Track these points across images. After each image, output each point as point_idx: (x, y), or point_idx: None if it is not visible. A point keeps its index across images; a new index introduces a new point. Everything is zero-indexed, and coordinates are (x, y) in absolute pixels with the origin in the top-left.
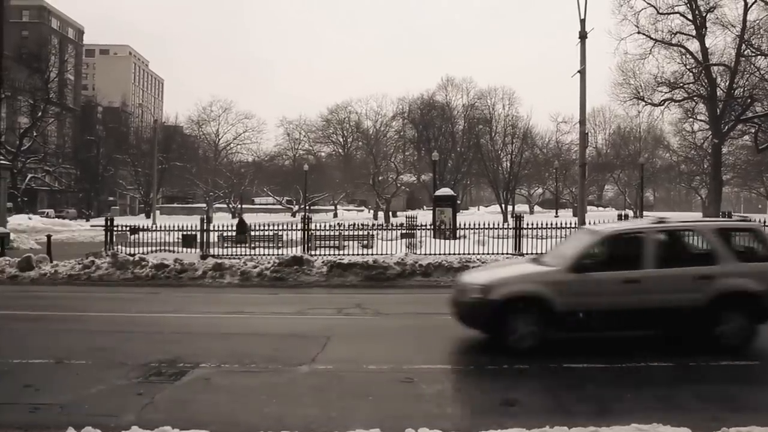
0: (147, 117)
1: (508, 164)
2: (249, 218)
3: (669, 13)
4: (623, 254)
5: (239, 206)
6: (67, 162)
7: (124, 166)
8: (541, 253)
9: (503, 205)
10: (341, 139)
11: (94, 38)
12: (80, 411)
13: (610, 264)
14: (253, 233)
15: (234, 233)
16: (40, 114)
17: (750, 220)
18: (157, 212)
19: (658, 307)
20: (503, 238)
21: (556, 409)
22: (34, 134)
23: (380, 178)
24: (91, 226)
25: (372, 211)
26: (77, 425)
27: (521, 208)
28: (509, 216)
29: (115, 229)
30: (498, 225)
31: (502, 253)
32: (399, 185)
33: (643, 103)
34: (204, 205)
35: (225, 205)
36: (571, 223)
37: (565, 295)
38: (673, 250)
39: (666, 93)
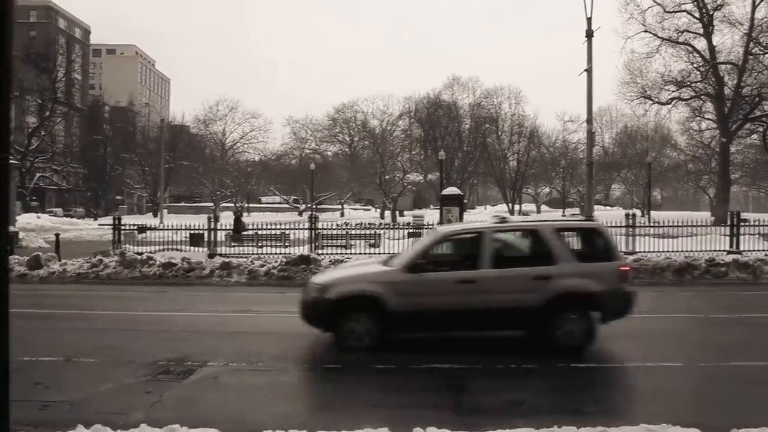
0: (153, 116)
1: (515, 163)
2: (256, 217)
3: (676, 12)
4: (460, 254)
5: (245, 205)
6: (74, 161)
7: (131, 166)
8: (395, 254)
9: (510, 204)
10: (348, 138)
11: (101, 38)
12: (89, 409)
13: (446, 264)
14: (260, 232)
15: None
16: (47, 113)
17: (594, 219)
18: (165, 211)
19: (495, 308)
20: None
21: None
22: (42, 133)
23: (387, 177)
24: (99, 225)
25: (379, 210)
26: (86, 423)
27: (528, 207)
28: (516, 215)
29: (122, 228)
30: None
31: None
32: (406, 184)
33: (650, 102)
34: (211, 204)
35: (232, 204)
36: None
37: (399, 296)
38: (512, 250)
39: (673, 92)
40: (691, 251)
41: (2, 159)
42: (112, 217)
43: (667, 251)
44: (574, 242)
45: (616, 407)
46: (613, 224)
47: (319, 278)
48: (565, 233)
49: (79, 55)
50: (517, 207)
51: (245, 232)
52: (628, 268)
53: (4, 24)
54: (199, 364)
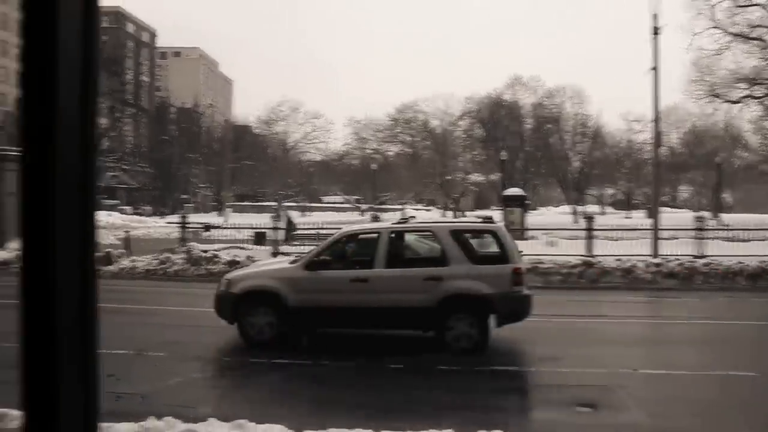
0: (217, 117)
1: (578, 164)
2: (318, 217)
3: (748, 6)
4: (358, 253)
5: (309, 204)
6: (143, 161)
7: (196, 165)
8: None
9: (573, 206)
10: (409, 139)
11: (167, 41)
12: (159, 401)
13: (342, 263)
14: (322, 232)
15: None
16: (117, 115)
17: (493, 221)
18: (229, 210)
19: (387, 307)
20: (575, 239)
21: None
22: (112, 134)
23: (448, 177)
24: (166, 223)
25: (440, 211)
26: (157, 414)
27: (592, 208)
28: (580, 217)
29: (188, 226)
30: (568, 226)
31: (574, 255)
32: (467, 184)
33: (720, 101)
34: (274, 203)
35: (295, 204)
36: (644, 225)
37: (297, 292)
38: (407, 250)
39: (745, 89)
40: (766, 256)
41: (90, 161)
42: (178, 215)
43: (739, 255)
44: (473, 244)
45: (672, 416)
46: (682, 227)
47: (230, 274)
48: (463, 235)
49: (147, 58)
50: (580, 208)
51: (298, 231)
52: (522, 272)
53: (91, 41)
54: (264, 360)
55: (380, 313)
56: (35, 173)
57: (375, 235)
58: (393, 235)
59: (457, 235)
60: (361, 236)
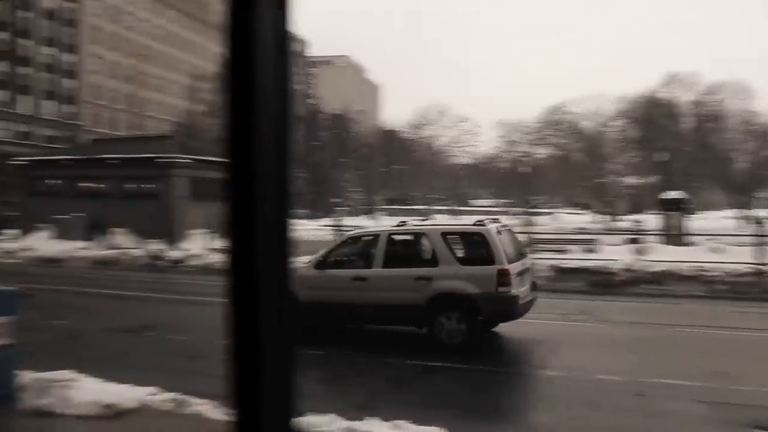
0: (366, 122)
1: (744, 164)
2: (466, 220)
3: None
4: (360, 254)
5: (458, 208)
6: (298, 166)
7: (347, 169)
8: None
9: (739, 210)
10: (559, 141)
11: (317, 51)
12: (312, 396)
13: (347, 262)
14: None
15: None
16: None
17: (483, 224)
18: (380, 213)
19: (383, 304)
20: (741, 245)
21: None
22: None
23: (601, 180)
24: (321, 225)
25: (593, 215)
26: (315, 411)
27: (761, 212)
28: (749, 222)
29: (342, 229)
30: (734, 231)
31: (741, 263)
32: (621, 187)
33: None
34: (424, 206)
35: (444, 207)
36: None
37: (306, 289)
38: (402, 251)
39: None
40: None
41: (286, 169)
42: (332, 218)
43: None
44: (463, 245)
45: None
46: None
47: None
48: (453, 237)
49: (300, 68)
50: (747, 212)
51: None
52: (508, 273)
53: (285, 54)
54: (419, 362)
55: (377, 310)
56: (239, 181)
57: (374, 236)
58: (391, 237)
59: (448, 237)
60: (364, 238)
